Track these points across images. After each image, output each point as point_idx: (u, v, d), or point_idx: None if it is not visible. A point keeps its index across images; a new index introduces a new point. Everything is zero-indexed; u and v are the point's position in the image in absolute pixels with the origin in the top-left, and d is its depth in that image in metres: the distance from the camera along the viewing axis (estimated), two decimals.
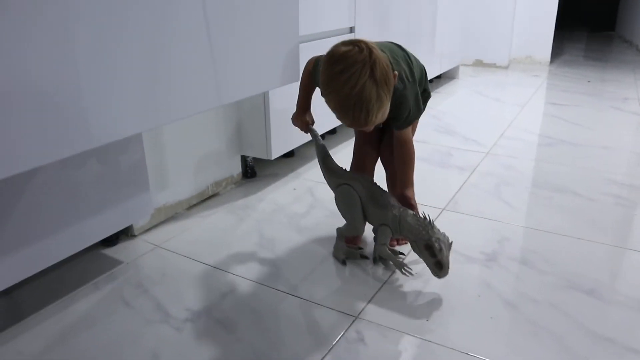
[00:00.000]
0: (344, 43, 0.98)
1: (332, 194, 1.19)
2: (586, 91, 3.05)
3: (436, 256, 1.01)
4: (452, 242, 1.05)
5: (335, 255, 1.20)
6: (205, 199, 1.54)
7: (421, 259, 1.05)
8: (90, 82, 0.71)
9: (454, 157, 1.88)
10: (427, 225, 1.03)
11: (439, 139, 2.09)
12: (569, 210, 1.44)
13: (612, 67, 3.92)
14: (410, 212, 1.07)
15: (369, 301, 1.03)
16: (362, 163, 1.29)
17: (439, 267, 1.02)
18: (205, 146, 1.50)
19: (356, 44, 0.95)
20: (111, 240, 1.26)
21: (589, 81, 3.33)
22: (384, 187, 1.22)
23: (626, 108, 2.63)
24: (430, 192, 1.54)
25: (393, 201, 1.09)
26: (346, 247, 1.18)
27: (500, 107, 2.68)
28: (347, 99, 0.93)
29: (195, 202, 1.50)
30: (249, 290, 1.08)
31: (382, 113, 0.97)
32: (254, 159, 1.69)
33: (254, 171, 1.70)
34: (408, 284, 1.09)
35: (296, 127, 1.25)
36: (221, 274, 1.14)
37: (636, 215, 1.43)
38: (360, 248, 1.20)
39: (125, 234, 1.31)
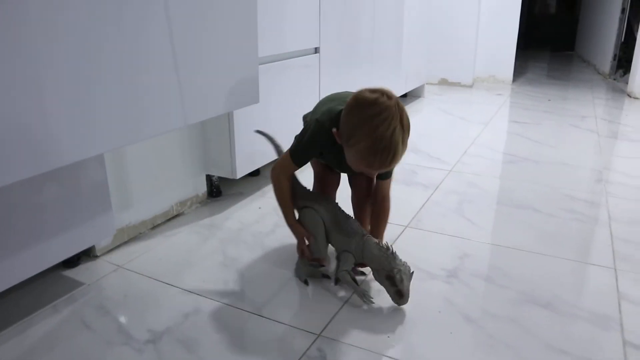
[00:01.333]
0: (369, 91, 1.00)
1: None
2: (547, 109, 3.14)
3: (397, 286, 1.04)
4: (413, 272, 1.07)
5: (297, 274, 1.20)
6: (170, 218, 1.53)
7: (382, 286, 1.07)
8: (55, 102, 0.71)
9: (418, 174, 1.92)
10: (389, 255, 1.05)
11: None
12: (529, 227, 1.48)
13: (572, 85, 4.05)
14: (374, 240, 1.08)
15: (331, 319, 1.04)
16: (324, 187, 1.30)
17: (399, 295, 1.05)
18: (169, 165, 1.49)
19: (382, 92, 0.99)
20: (72, 262, 1.24)
21: (549, 99, 3.43)
22: (348, 207, 1.23)
23: (584, 126, 2.72)
24: (394, 210, 1.55)
25: (357, 227, 1.11)
26: (308, 265, 1.19)
27: (464, 125, 2.74)
28: (379, 141, 0.95)
29: (159, 222, 1.49)
30: (212, 310, 1.07)
31: (402, 158, 1.01)
32: (220, 177, 1.68)
33: (219, 190, 1.70)
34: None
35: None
36: (184, 294, 1.13)
37: (593, 230, 1.47)
38: (322, 266, 1.21)
39: (87, 254, 1.30)
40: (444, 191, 1.75)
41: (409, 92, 3.32)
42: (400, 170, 1.94)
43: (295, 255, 1.24)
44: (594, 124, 2.75)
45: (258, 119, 1.59)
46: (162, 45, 0.85)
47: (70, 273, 1.22)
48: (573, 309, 1.08)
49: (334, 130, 1.04)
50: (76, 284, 1.17)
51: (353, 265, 1.12)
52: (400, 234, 1.43)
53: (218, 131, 1.56)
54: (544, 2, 11.49)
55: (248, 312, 1.07)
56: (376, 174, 1.13)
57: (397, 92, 2.93)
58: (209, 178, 1.67)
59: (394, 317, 1.05)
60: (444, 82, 3.95)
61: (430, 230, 1.45)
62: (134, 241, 1.38)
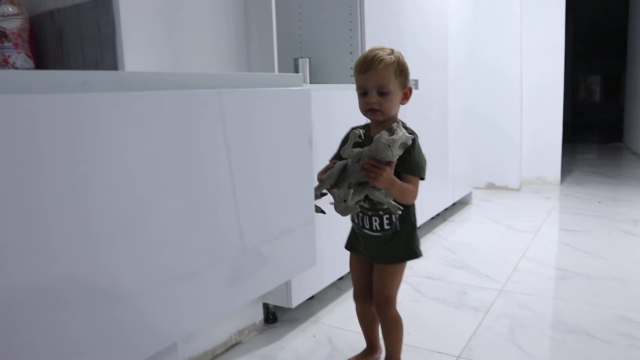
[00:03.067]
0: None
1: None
2: (597, 213, 3.13)
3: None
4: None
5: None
6: (229, 347, 1.61)
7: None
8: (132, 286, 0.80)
9: (468, 295, 1.94)
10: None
11: (453, 275, 2.16)
12: (584, 356, 1.48)
13: (622, 184, 4.02)
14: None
15: None
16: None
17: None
18: None
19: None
20: None
21: (599, 202, 3.41)
22: None
23: (637, 231, 2.69)
24: (445, 337, 1.59)
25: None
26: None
27: (513, 236, 2.76)
28: (369, 52, 1.24)
29: (219, 352, 1.57)
30: None
31: (387, 74, 1.21)
32: (275, 305, 1.77)
33: (275, 316, 1.78)
34: None
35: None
36: None
37: None
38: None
39: None
40: (495, 315, 1.77)
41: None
42: (450, 291, 1.98)
43: None
44: None
45: None
46: (231, 233, 0.93)
47: None
48: None
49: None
50: None
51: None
52: None
53: None
54: (588, 90, 11.58)
55: None
56: (372, 101, 1.23)
57: (446, 202, 3.00)
58: (265, 305, 1.76)
59: None
60: (491, 187, 4.00)
61: None
62: None
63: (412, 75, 2.44)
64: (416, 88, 2.53)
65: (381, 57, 1.22)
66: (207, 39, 1.46)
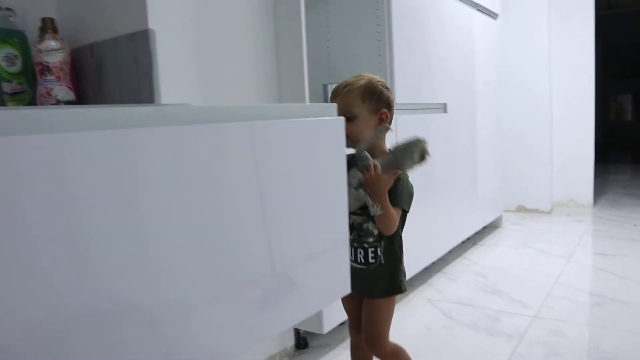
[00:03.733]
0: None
1: None
2: (633, 236, 3.06)
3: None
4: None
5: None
6: None
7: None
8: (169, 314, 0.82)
9: (501, 322, 1.91)
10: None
11: (485, 300, 2.13)
12: None
13: None
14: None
15: None
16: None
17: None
18: None
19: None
20: None
21: (635, 225, 3.34)
22: None
23: None
24: None
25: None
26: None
27: (546, 260, 2.71)
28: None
29: None
30: None
31: (351, 99, 1.22)
32: (305, 330, 1.77)
33: (306, 342, 1.78)
34: None
35: None
36: None
37: None
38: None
39: None
40: (529, 342, 1.74)
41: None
42: (483, 318, 1.95)
43: None
44: None
45: None
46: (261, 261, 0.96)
47: None
48: None
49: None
50: None
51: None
52: None
53: None
54: (620, 109, 11.37)
55: None
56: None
57: (476, 225, 2.97)
58: (296, 331, 1.76)
59: None
60: (521, 209, 3.94)
61: None
62: None
63: (440, 99, 2.47)
64: (444, 112, 2.54)
65: (347, 83, 1.25)
66: (239, 67, 1.50)
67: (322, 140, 0.99)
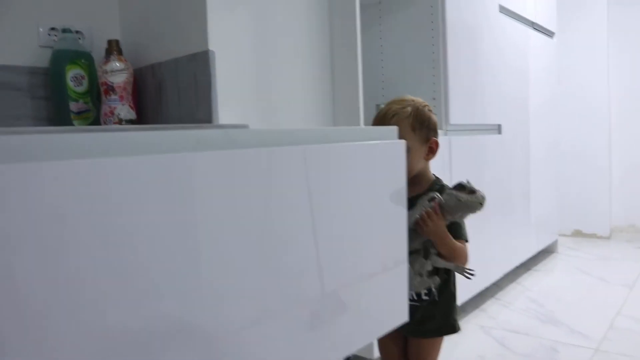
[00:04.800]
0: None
1: None
2: None
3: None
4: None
5: None
6: None
7: None
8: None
9: (560, 353, 1.82)
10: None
11: (542, 330, 2.04)
12: None
13: None
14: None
15: None
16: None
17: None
18: None
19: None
20: None
21: None
22: None
23: None
24: None
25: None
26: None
27: (606, 288, 2.58)
28: (385, 107, 1.22)
29: None
30: None
31: (401, 130, 1.07)
32: (355, 354, 1.73)
33: None
34: None
35: None
36: None
37: None
38: None
39: None
40: None
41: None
42: (539, 348, 1.87)
43: None
44: None
45: None
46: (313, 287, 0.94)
47: None
48: None
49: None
50: None
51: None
52: None
53: None
54: None
55: None
56: None
57: (530, 250, 2.87)
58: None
59: None
60: (578, 234, 3.79)
61: None
62: None
63: (494, 120, 2.42)
64: (499, 133, 2.47)
65: (394, 112, 1.17)
66: (294, 88, 1.50)
67: (382, 162, 0.98)
